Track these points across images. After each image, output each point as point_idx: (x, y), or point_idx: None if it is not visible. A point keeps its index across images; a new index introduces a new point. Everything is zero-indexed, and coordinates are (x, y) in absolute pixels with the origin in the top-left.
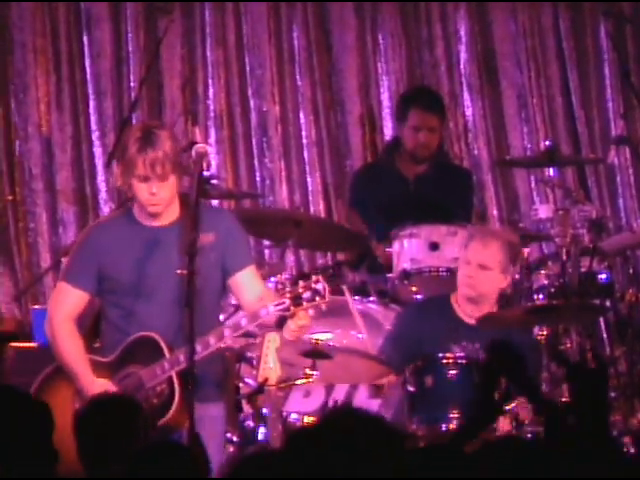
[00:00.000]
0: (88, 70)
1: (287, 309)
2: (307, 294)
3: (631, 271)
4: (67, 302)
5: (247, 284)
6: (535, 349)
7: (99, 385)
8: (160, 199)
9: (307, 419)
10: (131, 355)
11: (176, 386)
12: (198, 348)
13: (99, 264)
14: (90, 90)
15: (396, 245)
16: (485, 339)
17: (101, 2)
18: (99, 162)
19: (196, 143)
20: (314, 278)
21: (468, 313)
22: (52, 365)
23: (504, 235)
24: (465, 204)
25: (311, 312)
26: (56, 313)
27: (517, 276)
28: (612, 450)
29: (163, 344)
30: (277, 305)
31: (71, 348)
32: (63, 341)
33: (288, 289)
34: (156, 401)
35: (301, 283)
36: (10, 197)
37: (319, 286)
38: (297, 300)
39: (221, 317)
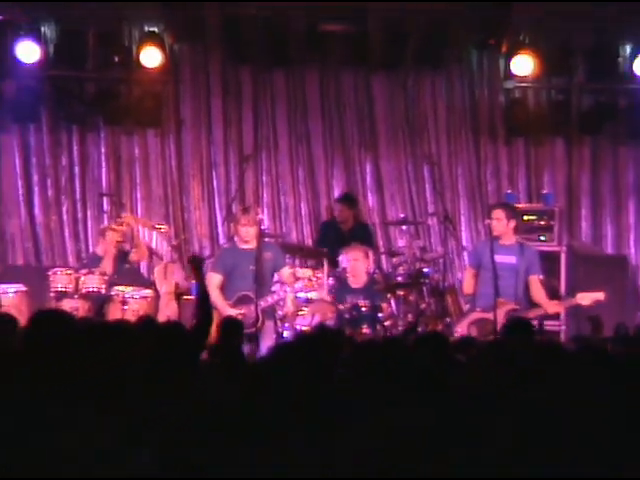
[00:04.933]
0: (216, 193)
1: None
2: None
3: (436, 268)
4: (214, 280)
5: (286, 275)
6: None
7: (230, 310)
8: (250, 235)
9: (304, 329)
10: (239, 301)
11: (260, 315)
12: (269, 299)
13: (224, 263)
14: (216, 200)
15: (340, 256)
16: (362, 295)
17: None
18: (219, 223)
19: (258, 214)
20: (310, 273)
21: (352, 282)
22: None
23: (358, 245)
24: (371, 240)
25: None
26: (210, 284)
27: (390, 269)
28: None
29: (254, 297)
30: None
31: (217, 297)
32: (215, 295)
33: (301, 277)
34: (252, 321)
35: (307, 275)
36: (183, 236)
37: (313, 278)
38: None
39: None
